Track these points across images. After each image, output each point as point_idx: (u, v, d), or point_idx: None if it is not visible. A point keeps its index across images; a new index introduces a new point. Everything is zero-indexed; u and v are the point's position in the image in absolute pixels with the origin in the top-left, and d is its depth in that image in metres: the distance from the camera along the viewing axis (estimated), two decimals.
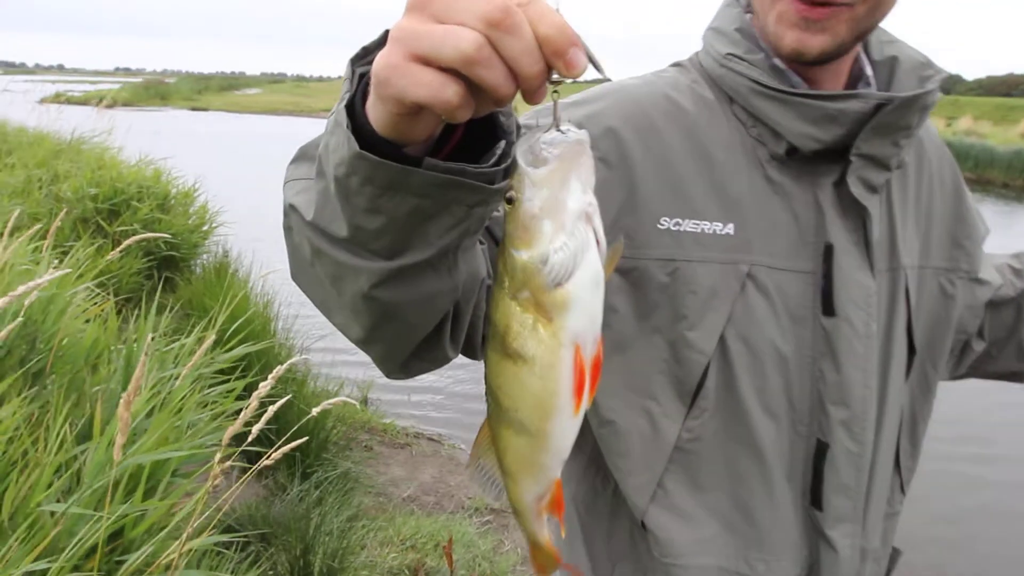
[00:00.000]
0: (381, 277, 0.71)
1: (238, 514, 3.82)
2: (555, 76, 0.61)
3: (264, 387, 1.44)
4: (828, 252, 1.10)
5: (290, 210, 0.77)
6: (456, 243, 0.72)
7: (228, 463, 1.75)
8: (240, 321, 3.60)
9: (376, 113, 0.63)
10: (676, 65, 1.25)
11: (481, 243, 0.90)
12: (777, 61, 1.11)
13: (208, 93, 66.58)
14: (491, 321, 0.74)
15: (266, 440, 3.83)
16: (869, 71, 1.17)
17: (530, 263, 0.69)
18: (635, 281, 1.08)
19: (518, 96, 0.62)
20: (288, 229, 0.78)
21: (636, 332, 1.10)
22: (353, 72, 0.69)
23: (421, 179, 0.64)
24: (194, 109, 51.97)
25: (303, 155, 0.85)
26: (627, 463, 1.13)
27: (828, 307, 1.10)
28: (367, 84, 0.64)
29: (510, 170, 0.67)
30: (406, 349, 0.83)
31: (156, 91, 59.44)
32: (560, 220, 0.69)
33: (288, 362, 1.67)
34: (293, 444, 1.67)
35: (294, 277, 0.82)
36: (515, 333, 0.72)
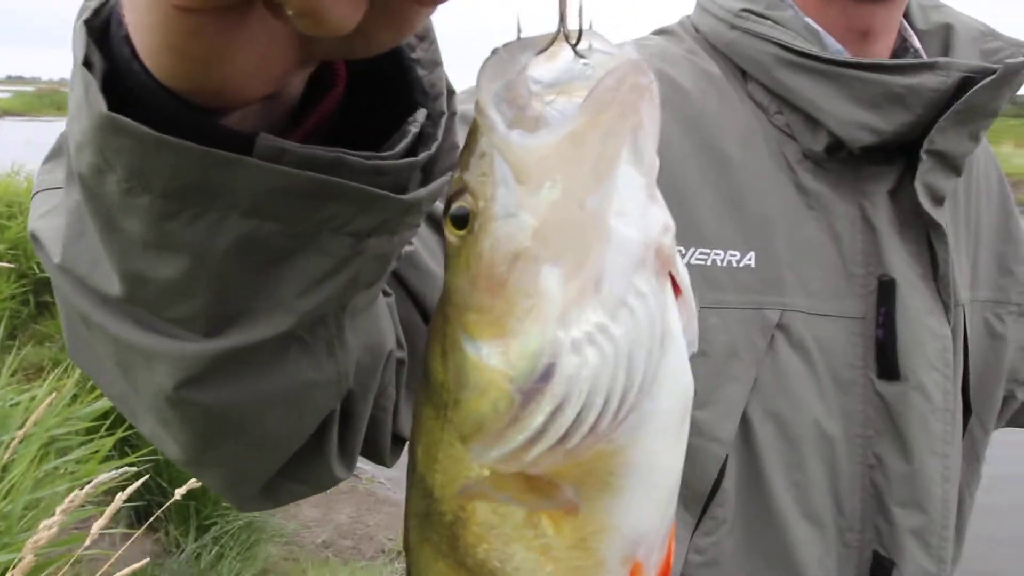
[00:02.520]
0: (195, 369, 0.44)
1: None
2: None
3: (71, 503, 0.98)
4: (886, 289, 0.85)
5: (34, 242, 0.51)
6: (338, 304, 0.45)
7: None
8: None
9: (139, 23, 0.35)
10: (661, 32, 0.94)
11: (386, 294, 0.65)
12: (810, 20, 0.85)
13: None
14: (421, 483, 0.33)
15: (156, 489, 3.37)
16: (916, 43, 0.92)
17: (510, 378, 0.28)
18: None
19: None
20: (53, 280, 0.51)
21: None
22: None
23: (255, 177, 0.37)
24: None
25: (61, 148, 0.56)
26: None
27: (889, 368, 0.84)
28: None
29: (439, 158, 0.42)
30: (265, 471, 0.55)
31: (51, 100, 56.71)
32: (592, 269, 0.28)
33: None
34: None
35: (72, 355, 0.56)
36: (483, 529, 0.31)
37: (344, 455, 0.61)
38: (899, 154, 0.85)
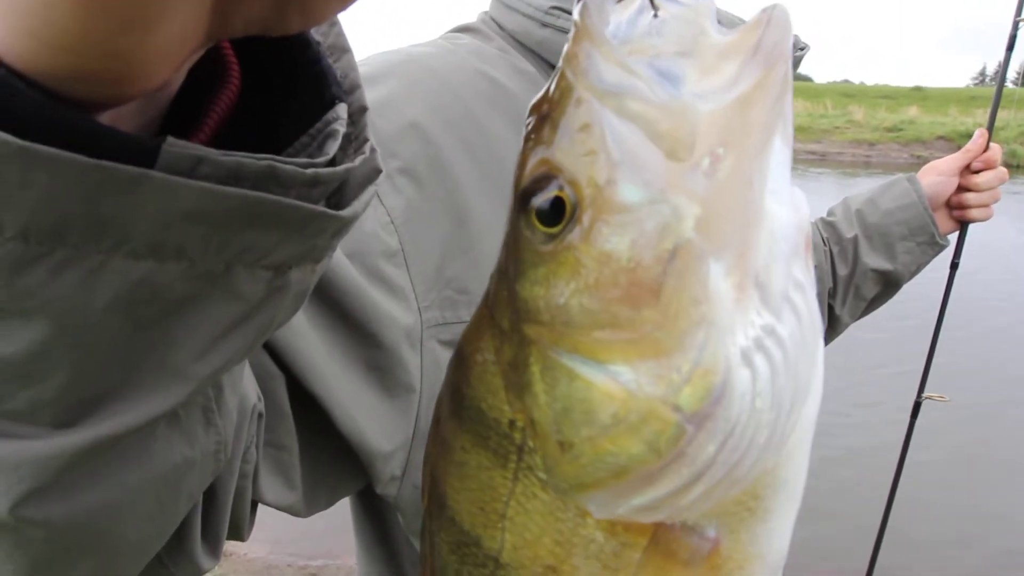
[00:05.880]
0: (42, 477, 0.31)
1: None
2: None
3: None
4: None
5: None
6: (240, 361, 0.35)
7: None
8: None
9: None
10: (465, 30, 0.88)
11: None
12: None
13: None
14: (472, 547, 0.26)
15: None
16: None
17: (676, 407, 0.22)
18: None
19: None
20: None
21: None
22: None
23: (162, 201, 0.26)
24: None
25: None
26: None
27: None
28: None
29: (362, 172, 0.33)
30: None
31: None
32: (754, 261, 0.23)
33: None
34: None
35: None
36: None
37: (209, 541, 0.50)
38: None
